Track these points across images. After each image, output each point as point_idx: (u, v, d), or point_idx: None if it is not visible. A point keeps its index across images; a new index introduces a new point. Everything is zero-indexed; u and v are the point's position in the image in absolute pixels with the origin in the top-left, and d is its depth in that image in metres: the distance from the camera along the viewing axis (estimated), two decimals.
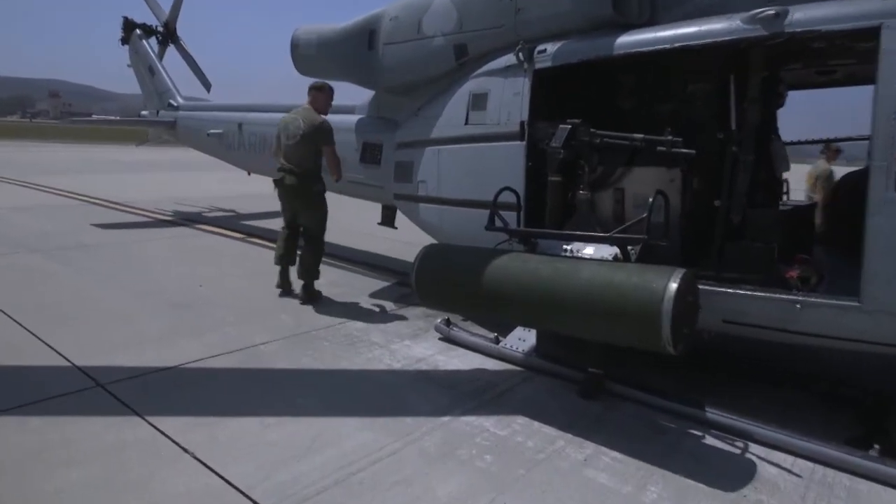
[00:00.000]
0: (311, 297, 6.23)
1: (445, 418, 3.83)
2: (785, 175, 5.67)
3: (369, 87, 6.76)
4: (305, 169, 6.12)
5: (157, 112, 11.54)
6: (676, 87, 4.68)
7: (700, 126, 4.41)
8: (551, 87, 4.85)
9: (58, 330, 4.96)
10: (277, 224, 10.92)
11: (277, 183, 6.28)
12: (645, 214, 3.65)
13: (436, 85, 5.90)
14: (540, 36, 4.86)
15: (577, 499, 3.04)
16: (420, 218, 6.13)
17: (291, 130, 6.17)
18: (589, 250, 4.00)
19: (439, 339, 5.28)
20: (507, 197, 4.60)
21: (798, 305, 3.64)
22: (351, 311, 5.95)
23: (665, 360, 3.72)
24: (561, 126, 4.18)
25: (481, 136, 5.21)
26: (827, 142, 8.24)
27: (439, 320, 5.31)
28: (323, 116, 6.26)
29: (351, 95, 7.49)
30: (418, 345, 5.11)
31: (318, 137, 6.11)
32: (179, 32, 12.21)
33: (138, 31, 12.05)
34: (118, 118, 16.17)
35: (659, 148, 3.83)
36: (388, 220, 7.34)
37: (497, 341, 4.89)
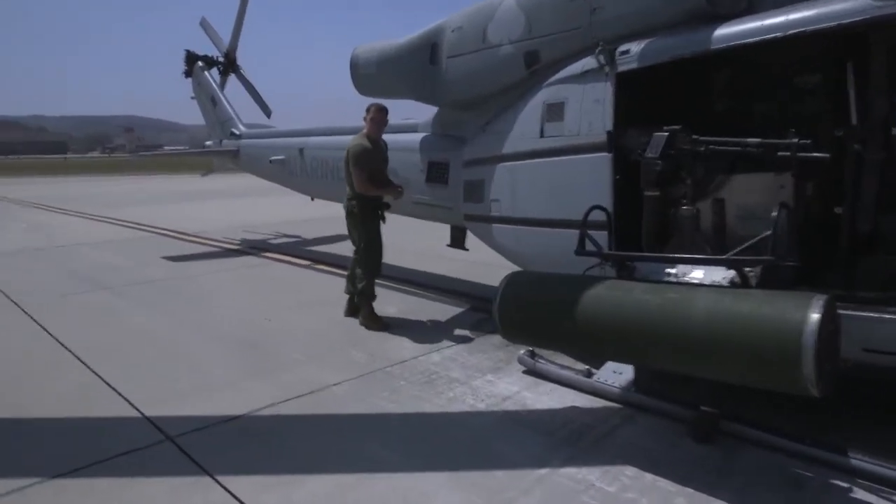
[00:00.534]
0: (371, 322, 6.01)
1: (543, 471, 3.38)
2: None
3: (433, 104, 6.43)
4: (350, 192, 6.06)
5: (221, 141, 11.62)
6: (781, 80, 4.11)
7: (813, 123, 3.83)
8: (636, 92, 4.36)
9: (126, 373, 4.80)
10: (343, 248, 10.89)
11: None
12: (767, 232, 3.12)
13: (504, 97, 5.50)
14: (619, 36, 4.40)
15: None
16: (494, 240, 5.72)
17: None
18: (698, 274, 3.48)
19: (523, 372, 4.83)
20: (594, 215, 4.14)
21: None
22: (424, 342, 5.58)
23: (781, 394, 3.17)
24: (656, 134, 3.69)
25: (559, 150, 4.77)
26: None
27: (522, 351, 4.86)
28: (361, 140, 5.98)
29: (413, 113, 7.20)
30: (501, 380, 4.68)
31: (348, 159, 5.95)
32: (239, 61, 12.31)
33: (200, 63, 12.22)
34: (184, 149, 16.54)
35: (781, 153, 3.28)
36: (457, 241, 6.97)
37: (589, 374, 4.41)
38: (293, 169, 9.22)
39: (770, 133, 3.62)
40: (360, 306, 6.19)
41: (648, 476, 3.31)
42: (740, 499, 3.08)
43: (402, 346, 5.50)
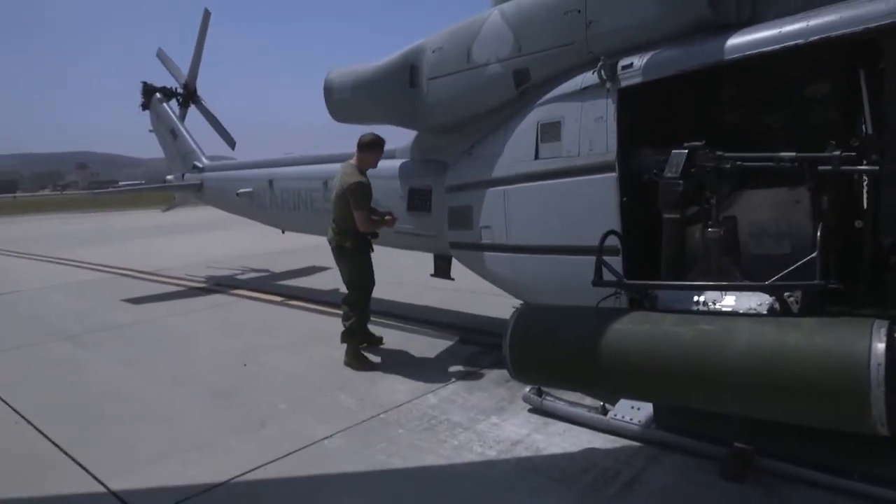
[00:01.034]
0: (357, 362, 5.64)
1: None
2: None
3: (413, 128, 6.11)
4: (341, 226, 5.69)
5: (183, 175, 11.08)
6: (792, 90, 3.92)
7: (826, 133, 3.62)
8: (639, 108, 4.12)
9: (88, 437, 4.29)
10: (315, 282, 10.47)
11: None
12: (812, 253, 2.85)
13: (492, 118, 5.21)
14: (616, 50, 4.17)
15: None
16: (485, 268, 5.39)
17: (334, 185, 5.81)
18: (729, 302, 3.20)
19: (529, 411, 4.47)
20: (598, 239, 3.86)
21: None
22: (417, 381, 5.17)
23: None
24: (675, 151, 3.43)
25: (557, 172, 4.49)
26: None
27: (528, 389, 4.50)
28: (357, 176, 5.62)
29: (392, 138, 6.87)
30: (508, 422, 4.30)
31: (348, 196, 5.57)
32: (199, 92, 11.83)
33: (158, 94, 11.70)
34: (143, 184, 15.85)
35: (822, 167, 3.04)
36: (442, 271, 6.61)
37: (604, 411, 4.07)
38: (262, 201, 8.76)
39: (782, 146, 3.41)
40: (345, 343, 5.77)
41: None
42: None
43: (394, 387, 5.08)
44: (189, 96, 11.78)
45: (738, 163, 3.24)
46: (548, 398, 4.39)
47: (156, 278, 11.50)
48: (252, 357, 6.03)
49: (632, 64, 3.98)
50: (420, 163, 6.22)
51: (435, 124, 5.71)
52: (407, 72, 5.61)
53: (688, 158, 3.33)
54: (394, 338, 6.42)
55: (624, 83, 4.01)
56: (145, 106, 11.87)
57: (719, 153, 3.29)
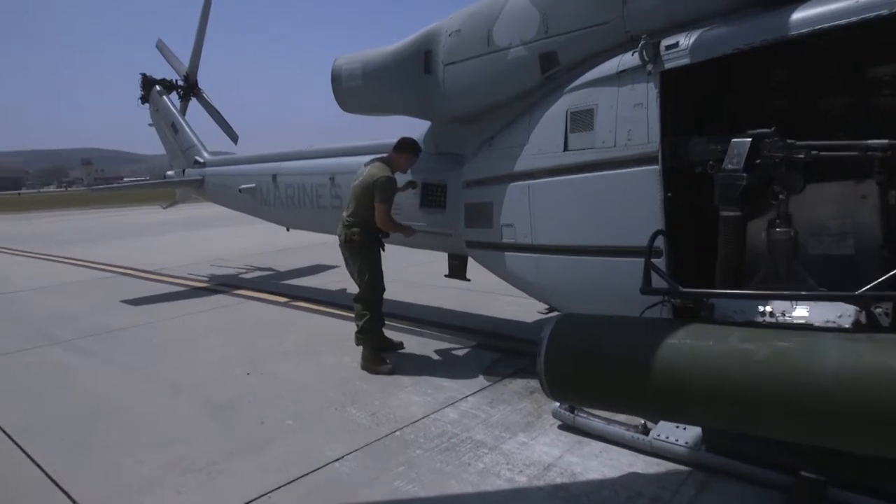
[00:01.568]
0: (374, 364, 5.34)
1: None
2: None
3: (427, 118, 5.69)
4: (354, 219, 5.39)
5: (183, 171, 10.68)
6: (856, 72, 3.48)
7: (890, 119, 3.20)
8: (683, 92, 3.70)
9: (74, 458, 3.91)
10: (321, 281, 10.08)
11: None
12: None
13: (514, 107, 4.80)
14: (657, 29, 3.74)
15: None
16: (507, 270, 4.97)
17: (357, 179, 5.53)
18: (801, 313, 2.78)
19: (559, 427, 4.07)
20: (633, 239, 3.46)
21: None
22: (434, 393, 4.77)
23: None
24: (736, 140, 3.00)
25: (590, 165, 4.07)
26: None
27: (558, 404, 4.09)
28: (387, 171, 5.39)
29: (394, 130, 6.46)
30: (537, 441, 3.90)
31: (375, 188, 5.27)
32: (201, 84, 11.43)
33: (158, 87, 11.29)
34: (144, 181, 15.48)
35: None
36: (457, 271, 6.20)
37: (645, 430, 3.67)
38: (266, 197, 8.36)
39: (842, 134, 2.99)
40: (360, 345, 5.42)
41: None
42: None
43: (410, 399, 4.68)
44: (190, 89, 11.39)
45: (815, 152, 2.82)
46: (581, 414, 3.98)
47: (157, 277, 11.12)
48: (256, 364, 5.64)
49: (677, 43, 3.55)
50: (434, 156, 5.80)
51: (451, 114, 5.28)
52: (421, 57, 5.19)
53: (752, 148, 2.90)
54: (406, 342, 6.02)
55: (668, 65, 3.58)
56: (144, 99, 11.47)
57: (790, 142, 2.87)
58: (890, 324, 2.58)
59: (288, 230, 8.76)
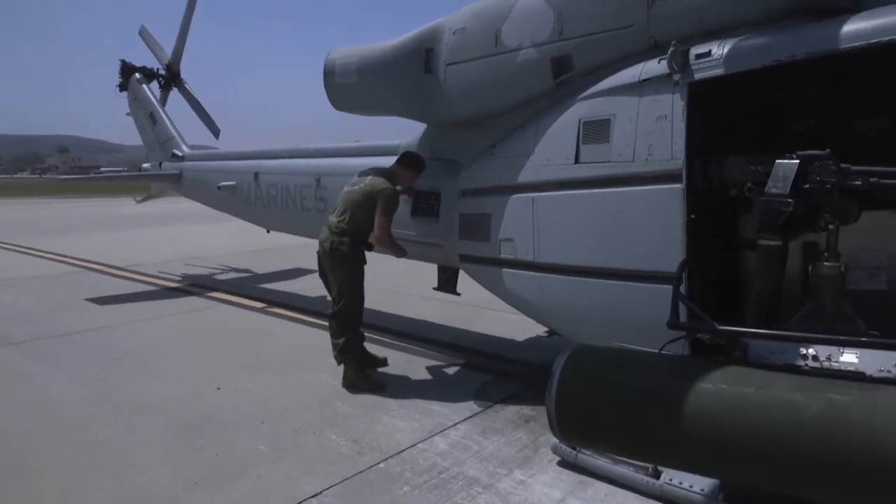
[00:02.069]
0: (362, 382, 4.98)
1: None
2: None
3: (425, 120, 5.34)
4: (344, 227, 4.98)
5: (160, 164, 10.18)
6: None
7: None
8: (712, 106, 3.40)
9: (12, 485, 3.46)
10: (301, 286, 9.62)
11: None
12: None
13: (520, 113, 4.47)
14: (685, 35, 3.42)
15: None
16: (504, 287, 4.63)
17: (353, 187, 5.12)
18: (849, 359, 2.47)
19: (558, 464, 3.73)
20: (649, 264, 3.16)
21: None
22: (422, 418, 4.41)
23: None
24: (781, 162, 2.69)
25: (604, 180, 3.75)
26: None
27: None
28: (390, 184, 5.03)
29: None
30: (535, 479, 3.55)
31: (377, 199, 4.91)
32: (183, 74, 10.94)
33: (137, 74, 10.76)
34: (121, 171, 14.91)
35: None
36: (447, 284, 5.84)
37: (657, 473, 3.32)
38: (246, 196, 7.92)
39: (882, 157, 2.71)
40: (343, 364, 5.05)
41: None
42: None
43: (395, 425, 4.30)
44: (172, 78, 10.88)
45: (874, 179, 2.52)
46: (584, 451, 3.63)
47: (127, 275, 10.59)
48: (228, 379, 5.21)
49: (709, 52, 3.25)
50: (429, 162, 5.44)
51: (451, 117, 4.94)
52: (422, 55, 4.84)
53: (799, 171, 2.60)
54: (390, 358, 5.62)
55: (698, 75, 3.28)
56: (123, 87, 10.93)
57: (845, 166, 2.56)
58: None
59: (268, 232, 8.32)
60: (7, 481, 3.53)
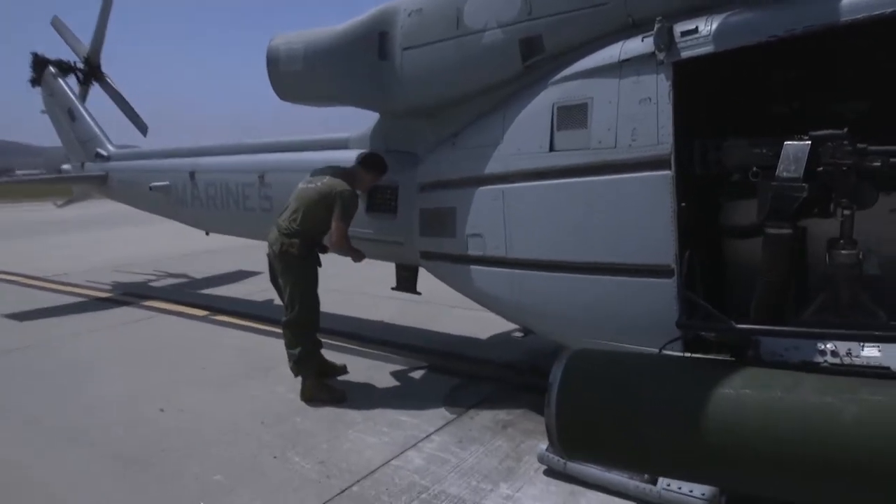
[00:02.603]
0: (321, 393, 4.63)
1: None
2: None
3: (379, 110, 4.98)
4: (293, 227, 4.59)
5: (83, 164, 9.37)
6: None
7: None
8: (698, 87, 3.21)
9: None
10: (244, 290, 9.06)
11: None
12: None
13: (484, 99, 4.19)
14: (666, 13, 3.19)
15: None
16: (473, 285, 4.34)
17: (307, 187, 4.73)
18: (871, 353, 2.30)
19: (545, 473, 3.48)
20: (631, 255, 2.95)
21: None
22: (392, 431, 4.08)
23: None
24: (790, 143, 2.50)
25: (583, 168, 3.50)
26: None
27: (545, 447, 3.48)
28: (349, 187, 4.66)
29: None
30: (524, 493, 3.29)
31: (335, 202, 4.56)
32: (105, 68, 10.13)
33: (52, 68, 9.87)
34: (36, 175, 13.77)
35: None
36: (407, 283, 5.51)
37: (654, 479, 3.11)
38: (182, 197, 7.32)
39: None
40: (300, 375, 4.66)
41: None
42: None
43: (363, 441, 3.96)
44: (91, 72, 10.03)
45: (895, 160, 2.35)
46: (573, 460, 3.39)
47: (50, 286, 9.73)
48: (172, 398, 4.73)
49: (696, 29, 3.04)
50: (383, 154, 5.08)
51: (408, 106, 4.60)
52: (375, 39, 4.47)
53: (811, 153, 2.41)
54: (348, 364, 5.26)
55: (685, 54, 3.07)
56: (35, 81, 10.01)
57: (862, 146, 2.39)
58: None
59: (207, 234, 7.75)
60: None
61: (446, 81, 4.25)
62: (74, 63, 10.09)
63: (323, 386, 4.64)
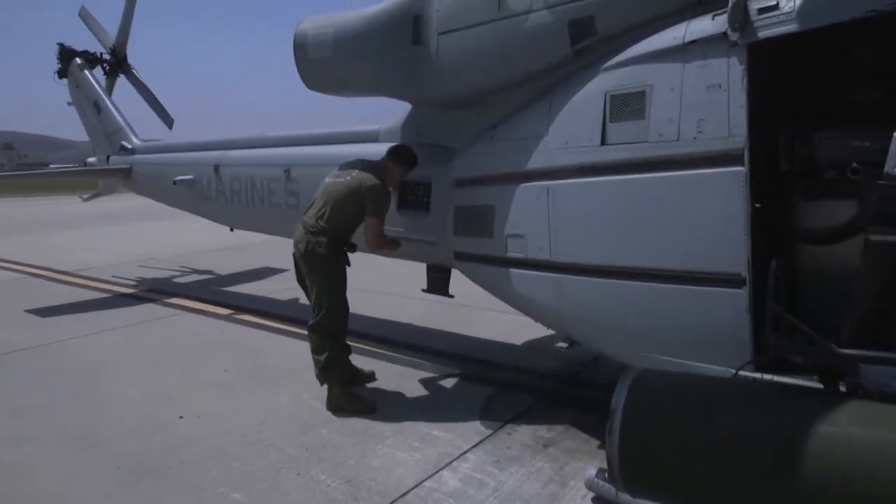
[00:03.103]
0: (350, 403, 4.34)
1: None
2: None
3: (412, 100, 4.68)
4: (321, 225, 4.29)
5: (108, 158, 9.24)
6: None
7: None
8: (779, 73, 2.85)
9: None
10: (270, 288, 8.85)
11: None
12: None
13: (526, 88, 3.87)
14: None
15: None
16: (512, 290, 4.03)
17: (334, 181, 4.45)
18: None
19: (593, 500, 3.16)
20: (706, 262, 2.61)
21: None
22: (424, 446, 3.78)
23: None
24: None
25: (640, 163, 3.16)
26: None
27: (594, 472, 3.16)
28: (380, 182, 4.37)
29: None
30: None
31: (365, 197, 4.28)
32: (131, 60, 10.00)
33: (78, 60, 9.76)
34: (66, 168, 13.79)
35: None
36: (438, 285, 5.20)
37: None
38: (206, 192, 7.12)
39: None
40: (325, 383, 4.39)
41: None
42: None
43: (393, 458, 3.66)
44: (118, 64, 9.94)
45: None
46: None
47: (75, 280, 9.63)
48: (192, 403, 4.49)
49: (776, 5, 2.68)
50: (415, 147, 4.78)
51: (444, 95, 4.29)
52: (409, 23, 4.18)
53: None
54: (378, 371, 4.98)
55: (763, 33, 2.70)
56: (62, 73, 9.92)
57: None
58: None
59: (232, 230, 7.53)
60: None
61: (486, 68, 3.94)
62: (101, 54, 9.99)
63: (351, 395, 4.36)
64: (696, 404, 2.12)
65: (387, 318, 6.75)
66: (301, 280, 4.57)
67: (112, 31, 9.88)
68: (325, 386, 4.37)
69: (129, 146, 8.98)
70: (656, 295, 3.13)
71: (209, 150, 7.26)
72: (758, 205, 2.75)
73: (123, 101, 9.99)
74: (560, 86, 3.63)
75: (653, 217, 3.11)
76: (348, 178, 4.35)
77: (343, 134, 5.78)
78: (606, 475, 3.06)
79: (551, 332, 5.03)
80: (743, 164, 2.75)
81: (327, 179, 4.49)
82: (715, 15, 2.83)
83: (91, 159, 9.73)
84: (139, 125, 9.41)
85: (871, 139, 2.24)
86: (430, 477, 3.43)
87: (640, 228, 3.17)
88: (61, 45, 9.86)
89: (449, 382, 4.88)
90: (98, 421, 4.23)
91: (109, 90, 9.94)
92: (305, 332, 4.53)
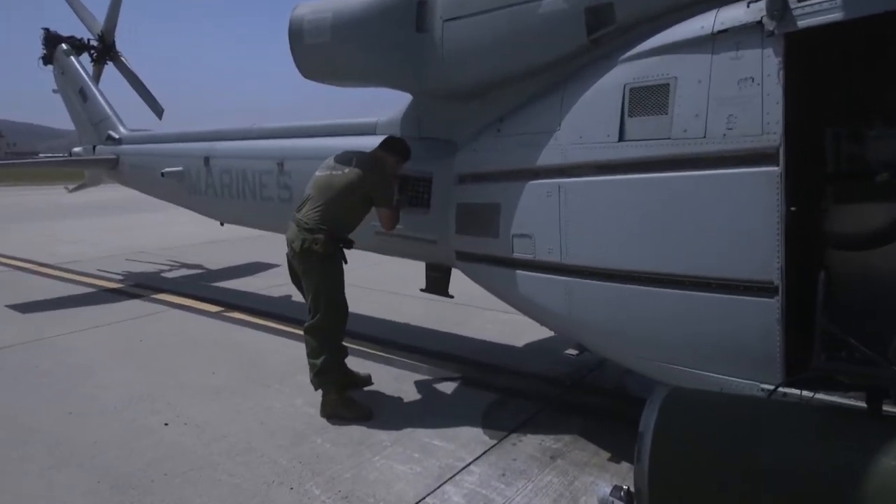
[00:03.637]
0: (345, 409, 4.11)
1: None
2: None
3: (413, 90, 4.45)
4: (317, 222, 4.07)
5: (94, 147, 8.94)
6: None
7: None
8: (817, 66, 2.64)
9: None
10: (261, 284, 8.58)
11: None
12: None
13: (537, 79, 3.65)
14: None
15: None
16: (518, 292, 3.82)
17: (330, 174, 4.25)
18: None
19: None
20: (736, 268, 2.42)
21: None
22: (424, 457, 3.57)
23: None
24: None
25: (662, 161, 2.95)
26: None
27: (609, 490, 2.94)
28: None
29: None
30: None
31: (362, 188, 4.14)
32: (119, 47, 9.69)
33: (64, 45, 9.43)
34: (44, 158, 13.44)
35: None
36: (438, 285, 4.98)
37: None
38: (195, 184, 6.85)
39: None
40: (320, 388, 4.17)
41: None
42: None
43: (392, 470, 3.45)
44: (106, 51, 9.61)
45: None
46: None
47: (59, 274, 9.34)
48: (177, 408, 4.26)
49: None
50: (415, 141, 4.56)
51: (448, 86, 4.06)
52: (412, 9, 3.95)
53: None
54: (374, 375, 4.75)
55: (802, 23, 2.49)
56: (47, 59, 9.59)
57: None
58: None
59: (222, 224, 7.28)
60: None
61: (494, 58, 3.71)
62: (88, 41, 9.67)
63: (347, 401, 4.14)
64: (736, 430, 1.92)
65: (383, 317, 6.53)
66: (296, 279, 4.34)
67: (100, 17, 9.57)
68: (320, 391, 4.14)
69: (116, 136, 8.68)
70: (677, 302, 2.93)
71: (199, 140, 6.99)
72: (793, 208, 2.54)
73: (112, 89, 9.70)
74: (574, 77, 3.41)
75: (675, 219, 2.90)
76: (344, 170, 4.13)
77: (339, 126, 5.54)
78: (622, 494, 2.87)
79: (553, 333, 4.83)
80: (777, 164, 2.55)
81: (318, 173, 4.26)
82: (750, 2, 2.61)
83: (77, 149, 9.43)
84: (127, 114, 9.13)
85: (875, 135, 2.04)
86: (431, 493, 3.21)
87: (660, 231, 2.97)
88: (46, 31, 9.53)
89: (448, 387, 4.66)
90: (77, 428, 3.99)
91: (97, 78, 9.63)
92: (299, 332, 4.32)
